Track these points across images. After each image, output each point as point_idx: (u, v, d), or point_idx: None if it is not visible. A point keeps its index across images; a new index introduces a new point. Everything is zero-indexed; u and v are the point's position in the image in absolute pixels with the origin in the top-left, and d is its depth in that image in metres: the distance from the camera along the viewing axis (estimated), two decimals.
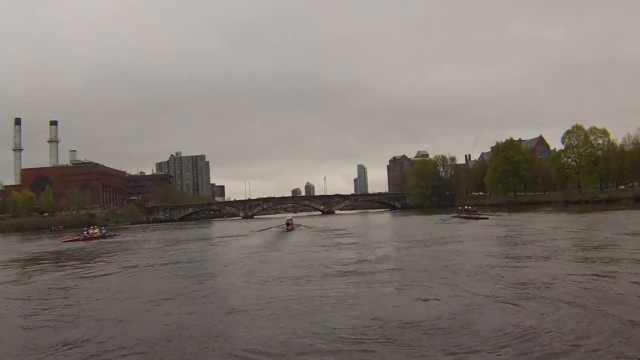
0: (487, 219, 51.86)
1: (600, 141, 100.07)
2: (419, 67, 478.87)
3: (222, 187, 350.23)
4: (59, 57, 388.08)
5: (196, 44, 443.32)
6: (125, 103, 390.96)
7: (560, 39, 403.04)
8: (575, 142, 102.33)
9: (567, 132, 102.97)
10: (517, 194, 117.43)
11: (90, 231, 53.60)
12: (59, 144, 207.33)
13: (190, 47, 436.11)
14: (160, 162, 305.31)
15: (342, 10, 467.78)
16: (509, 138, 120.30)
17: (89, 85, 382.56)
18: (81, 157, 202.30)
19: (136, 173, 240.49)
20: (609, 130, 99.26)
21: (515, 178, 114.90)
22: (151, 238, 54.96)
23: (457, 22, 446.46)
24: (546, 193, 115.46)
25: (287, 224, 49.87)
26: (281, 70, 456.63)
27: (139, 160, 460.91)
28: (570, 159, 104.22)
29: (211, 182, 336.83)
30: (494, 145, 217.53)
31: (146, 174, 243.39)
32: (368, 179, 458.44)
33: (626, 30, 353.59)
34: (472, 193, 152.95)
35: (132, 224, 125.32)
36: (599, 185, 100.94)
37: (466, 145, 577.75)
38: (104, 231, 57.06)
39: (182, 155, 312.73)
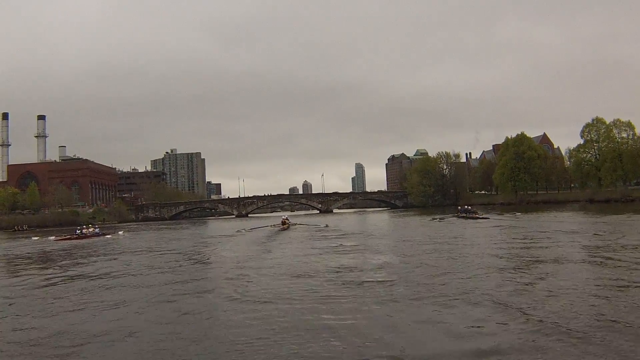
0: (488, 218, 50.46)
1: (625, 135, 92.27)
2: (414, 68, 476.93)
3: (219, 185, 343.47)
4: (54, 56, 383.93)
5: (190, 44, 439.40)
6: (120, 102, 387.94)
7: (556, 40, 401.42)
8: (596, 136, 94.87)
9: (587, 126, 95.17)
10: (528, 192, 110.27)
11: (85, 230, 52.71)
12: (47, 139, 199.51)
13: (184, 47, 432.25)
14: (155, 160, 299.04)
15: (339, 11, 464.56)
16: (519, 133, 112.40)
17: (83, 84, 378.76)
18: (76, 154, 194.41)
19: (129, 170, 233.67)
20: (633, 123, 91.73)
21: (527, 175, 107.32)
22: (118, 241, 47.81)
23: (453, 23, 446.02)
24: (560, 192, 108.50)
25: (283, 223, 49.53)
26: (277, 70, 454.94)
27: (134, 158, 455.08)
28: (589, 155, 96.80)
29: (207, 180, 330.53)
30: (496, 143, 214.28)
31: (139, 171, 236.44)
32: (366, 178, 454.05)
33: (621, 31, 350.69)
34: (476, 192, 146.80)
35: (119, 223, 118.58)
36: (622, 182, 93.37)
37: (464, 145, 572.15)
38: (97, 230, 56.00)
39: (178, 152, 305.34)
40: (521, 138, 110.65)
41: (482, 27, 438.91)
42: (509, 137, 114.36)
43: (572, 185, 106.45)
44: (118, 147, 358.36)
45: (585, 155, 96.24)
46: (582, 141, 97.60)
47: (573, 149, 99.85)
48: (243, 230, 48.41)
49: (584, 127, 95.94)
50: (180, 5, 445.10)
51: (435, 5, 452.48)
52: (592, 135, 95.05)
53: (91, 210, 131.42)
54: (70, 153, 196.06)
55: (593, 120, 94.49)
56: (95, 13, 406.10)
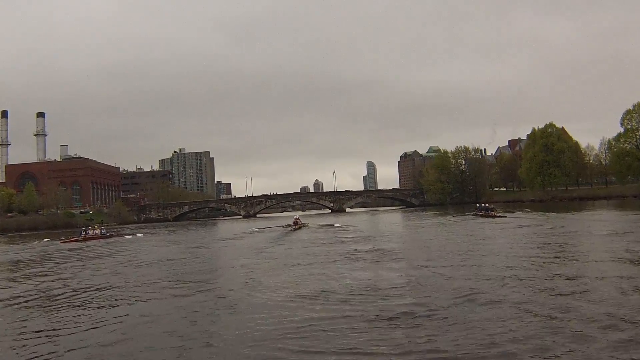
0: (505, 216, 48.74)
1: None
2: (425, 65, 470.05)
3: (229, 185, 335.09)
4: (60, 54, 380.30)
5: (198, 42, 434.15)
6: (126, 101, 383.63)
7: (569, 35, 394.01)
8: (637, 124, 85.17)
9: (627, 112, 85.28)
10: (558, 188, 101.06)
11: (90, 231, 51.06)
12: (47, 137, 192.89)
13: (192, 45, 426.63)
14: (164, 159, 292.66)
15: (350, 7, 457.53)
16: (548, 122, 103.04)
17: (88, 83, 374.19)
18: (77, 153, 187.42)
19: (134, 169, 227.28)
20: None
21: (557, 169, 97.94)
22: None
23: (465, 18, 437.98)
24: (594, 187, 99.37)
25: (295, 223, 49.14)
26: (288, 68, 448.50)
27: (143, 158, 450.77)
28: (630, 145, 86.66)
29: (217, 180, 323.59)
30: (512, 138, 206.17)
31: (145, 170, 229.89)
32: (378, 176, 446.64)
33: (634, 27, 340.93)
34: (495, 188, 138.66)
35: (119, 224, 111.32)
36: None
37: (477, 141, 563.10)
38: (104, 231, 54.08)
39: (186, 151, 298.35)
40: (550, 129, 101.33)
41: (494, 23, 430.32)
42: (536, 128, 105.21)
43: (607, 180, 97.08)
44: (125, 147, 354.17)
45: (626, 145, 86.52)
46: (621, 130, 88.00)
47: (612, 139, 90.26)
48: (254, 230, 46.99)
49: (624, 114, 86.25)
50: (187, 3, 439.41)
51: (446, 1, 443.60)
52: (634, 123, 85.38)
53: (88, 212, 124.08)
54: (73, 152, 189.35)
55: (634, 106, 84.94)
56: (101, 12, 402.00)
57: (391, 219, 69.25)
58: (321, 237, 35.98)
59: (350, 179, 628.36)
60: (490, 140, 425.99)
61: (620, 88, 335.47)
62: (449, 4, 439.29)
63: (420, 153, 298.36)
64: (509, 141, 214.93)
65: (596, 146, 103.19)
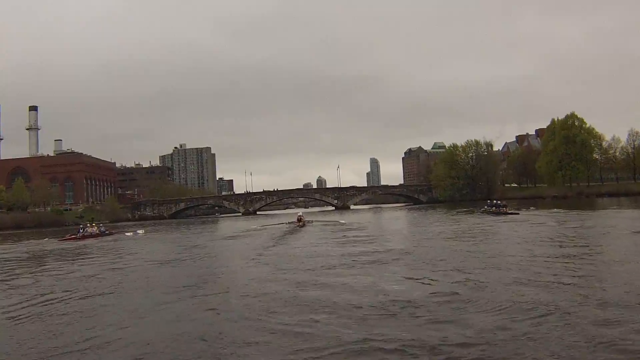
0: (518, 214, 47.27)
1: None
2: (430, 63, 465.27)
3: (231, 182, 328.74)
4: (62, 53, 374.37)
5: (203, 40, 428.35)
6: (132, 99, 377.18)
7: (576, 34, 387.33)
8: None
9: None
10: (580, 183, 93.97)
11: (88, 229, 50.01)
12: (40, 132, 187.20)
13: (196, 43, 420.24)
14: (164, 155, 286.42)
15: (353, 5, 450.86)
16: (569, 113, 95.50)
17: (93, 81, 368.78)
18: (79, 150, 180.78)
19: (132, 166, 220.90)
20: None
21: (580, 163, 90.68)
22: None
23: (469, 17, 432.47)
24: (619, 182, 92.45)
25: (299, 220, 48.99)
26: (291, 65, 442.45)
27: (144, 156, 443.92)
28: None
29: (219, 177, 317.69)
30: (519, 134, 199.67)
31: (143, 166, 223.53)
32: (381, 173, 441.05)
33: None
34: (506, 185, 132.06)
35: (111, 222, 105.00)
36: None
37: (482, 138, 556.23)
38: (102, 229, 53.09)
39: (187, 147, 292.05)
40: (572, 120, 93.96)
41: (501, 22, 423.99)
42: (556, 120, 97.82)
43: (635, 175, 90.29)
44: (125, 145, 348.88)
45: None
46: None
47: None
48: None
49: None
50: (190, 1, 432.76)
51: (451, 1, 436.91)
52: None
53: (80, 208, 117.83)
54: (67, 147, 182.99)
55: None
56: (105, 10, 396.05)
57: (401, 220, 62.53)
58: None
59: (353, 176, 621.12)
60: (499, 135, 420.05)
61: (625, 87, 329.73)
62: (456, 4, 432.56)
63: (425, 149, 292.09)
64: (516, 136, 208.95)
65: (623, 138, 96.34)
